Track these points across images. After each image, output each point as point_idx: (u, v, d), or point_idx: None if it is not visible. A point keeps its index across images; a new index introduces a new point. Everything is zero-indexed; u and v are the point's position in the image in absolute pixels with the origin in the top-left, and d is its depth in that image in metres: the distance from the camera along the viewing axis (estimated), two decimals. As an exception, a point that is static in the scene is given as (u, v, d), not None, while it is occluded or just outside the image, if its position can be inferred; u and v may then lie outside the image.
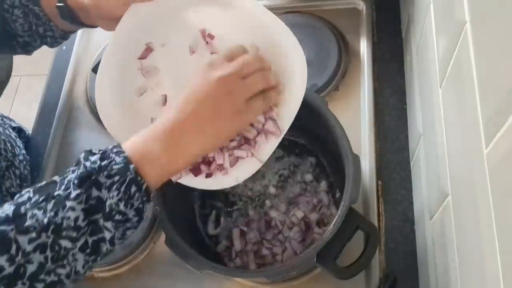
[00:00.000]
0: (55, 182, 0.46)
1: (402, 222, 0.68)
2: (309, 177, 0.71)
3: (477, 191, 0.39)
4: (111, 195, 0.46)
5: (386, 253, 0.66)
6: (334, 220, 0.54)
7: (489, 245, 0.36)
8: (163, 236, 0.58)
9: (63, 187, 0.45)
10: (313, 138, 0.71)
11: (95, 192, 0.45)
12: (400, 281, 0.64)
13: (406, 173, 0.71)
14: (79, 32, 0.94)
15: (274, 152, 0.72)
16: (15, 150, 0.77)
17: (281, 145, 0.72)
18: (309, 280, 0.66)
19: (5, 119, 0.84)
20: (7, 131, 0.78)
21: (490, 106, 0.36)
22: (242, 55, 0.53)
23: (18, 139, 0.82)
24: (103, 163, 0.47)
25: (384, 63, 0.80)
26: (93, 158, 0.47)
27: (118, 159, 0.47)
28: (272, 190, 0.70)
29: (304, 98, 0.63)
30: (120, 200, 0.46)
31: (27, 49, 0.74)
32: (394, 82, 0.78)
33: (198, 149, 0.51)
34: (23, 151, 0.81)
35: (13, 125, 0.86)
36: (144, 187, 0.47)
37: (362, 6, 0.85)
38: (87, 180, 0.46)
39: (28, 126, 0.90)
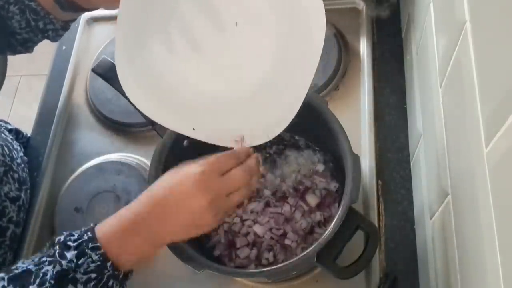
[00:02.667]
0: (30, 272, 0.47)
1: (402, 222, 0.68)
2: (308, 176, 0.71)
3: (477, 191, 0.39)
4: None
5: (386, 253, 0.66)
6: (334, 220, 0.54)
7: (489, 245, 0.36)
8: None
9: (38, 280, 0.46)
10: (313, 138, 0.71)
11: None
12: (400, 281, 0.64)
13: (406, 173, 0.71)
14: (79, 31, 0.94)
15: (274, 152, 0.73)
16: (13, 153, 0.76)
17: (280, 144, 0.73)
18: (309, 280, 0.66)
19: (0, 122, 0.83)
20: (3, 135, 0.77)
21: (490, 105, 0.36)
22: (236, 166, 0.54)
23: (15, 141, 0.81)
24: (79, 262, 0.48)
25: (384, 63, 0.80)
26: (69, 256, 0.48)
27: (95, 257, 0.48)
28: (267, 192, 0.70)
29: (304, 98, 0.63)
30: None
31: (27, 45, 0.73)
32: (394, 82, 0.78)
33: (172, 238, 0.53)
34: (21, 154, 0.80)
35: (9, 127, 0.85)
36: (120, 277, 0.50)
37: (362, 6, 0.85)
38: (64, 279, 0.47)
39: (28, 126, 0.90)
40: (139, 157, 0.78)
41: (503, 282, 0.33)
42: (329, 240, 0.53)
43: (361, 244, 0.56)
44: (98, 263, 0.48)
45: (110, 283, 0.49)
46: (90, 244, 0.48)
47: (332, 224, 0.54)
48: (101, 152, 0.80)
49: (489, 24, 0.38)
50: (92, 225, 0.51)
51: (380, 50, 0.81)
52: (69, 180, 0.78)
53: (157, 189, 0.52)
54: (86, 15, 0.95)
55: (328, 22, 0.84)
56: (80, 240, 0.49)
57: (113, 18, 0.95)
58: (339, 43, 0.81)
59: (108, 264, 0.48)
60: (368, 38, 0.82)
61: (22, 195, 0.74)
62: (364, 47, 0.81)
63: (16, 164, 0.75)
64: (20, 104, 1.95)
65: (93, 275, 0.47)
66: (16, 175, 0.74)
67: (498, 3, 0.35)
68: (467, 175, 0.42)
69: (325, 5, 0.88)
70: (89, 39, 0.94)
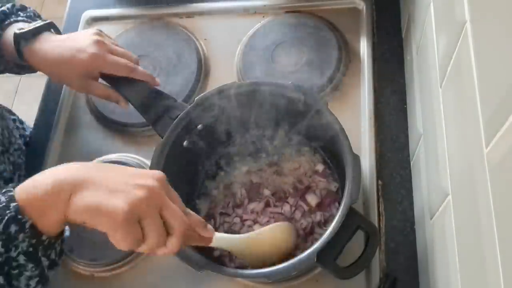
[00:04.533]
0: None
1: (402, 222, 0.68)
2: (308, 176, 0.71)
3: (477, 191, 0.39)
4: None
5: (386, 253, 0.66)
6: (335, 220, 0.54)
7: (489, 245, 0.36)
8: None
9: None
10: (313, 137, 0.71)
11: None
12: (400, 281, 0.64)
13: (406, 173, 0.71)
14: (80, 30, 0.94)
15: (275, 152, 0.73)
16: (11, 139, 0.79)
17: (281, 146, 0.73)
18: (309, 280, 0.66)
19: (6, 113, 0.84)
20: (5, 122, 0.79)
21: (490, 105, 0.36)
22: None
23: (16, 130, 0.83)
24: None
25: (384, 63, 0.80)
26: None
27: (2, 198, 0.45)
28: (267, 192, 0.70)
29: (304, 98, 0.63)
30: None
31: None
32: (394, 82, 0.78)
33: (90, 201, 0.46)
34: (19, 141, 0.82)
35: (13, 117, 0.87)
36: (28, 225, 0.44)
37: (362, 6, 0.85)
38: None
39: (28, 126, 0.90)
40: (139, 157, 0.78)
41: (503, 282, 0.33)
42: (329, 240, 0.53)
43: (361, 244, 0.56)
44: (3, 203, 0.44)
45: (12, 229, 0.43)
46: (6, 189, 0.46)
47: (332, 224, 0.54)
48: (101, 152, 0.80)
49: (489, 24, 0.38)
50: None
51: (380, 50, 0.81)
52: (69, 180, 0.78)
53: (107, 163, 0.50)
54: (86, 15, 0.96)
55: (328, 22, 0.84)
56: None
57: (113, 18, 0.95)
58: (339, 43, 0.81)
59: (13, 204, 0.44)
60: (368, 38, 0.82)
61: (15, 179, 0.77)
62: (364, 47, 0.81)
63: (13, 149, 0.78)
64: (20, 104, 1.96)
65: None
66: (11, 158, 0.77)
67: (498, 3, 0.35)
68: (467, 175, 0.42)
69: (325, 5, 0.89)
70: (89, 39, 0.94)
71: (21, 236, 0.44)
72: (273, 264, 0.56)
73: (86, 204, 0.45)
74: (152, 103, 0.69)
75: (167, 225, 0.47)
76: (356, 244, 0.57)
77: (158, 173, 0.49)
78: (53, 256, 0.48)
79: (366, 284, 0.64)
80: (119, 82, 0.69)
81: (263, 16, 0.88)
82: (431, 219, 0.57)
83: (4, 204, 0.44)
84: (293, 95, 0.64)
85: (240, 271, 0.60)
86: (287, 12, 0.88)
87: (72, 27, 0.93)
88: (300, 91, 0.64)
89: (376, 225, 0.67)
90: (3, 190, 0.46)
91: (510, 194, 0.32)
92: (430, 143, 0.59)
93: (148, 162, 0.65)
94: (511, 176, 0.32)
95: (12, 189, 0.46)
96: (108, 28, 0.94)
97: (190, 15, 0.92)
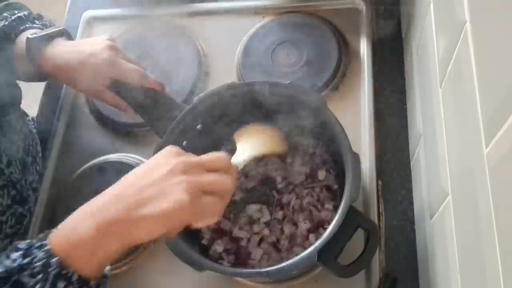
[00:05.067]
0: None
1: (402, 222, 0.68)
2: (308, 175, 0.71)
3: (477, 191, 0.39)
4: None
5: (386, 253, 0.66)
6: (335, 219, 0.54)
7: (489, 245, 0.36)
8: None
9: None
10: (312, 137, 0.71)
11: None
12: (400, 281, 0.64)
13: (406, 173, 0.71)
14: (80, 31, 0.94)
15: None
16: (37, 148, 0.81)
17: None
18: (309, 280, 0.66)
19: (29, 121, 0.85)
20: (26, 127, 0.80)
21: (490, 106, 0.36)
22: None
23: (36, 134, 0.84)
24: (24, 261, 0.42)
25: (384, 63, 0.80)
26: (14, 256, 0.42)
27: (40, 255, 0.42)
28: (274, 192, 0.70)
29: (303, 98, 0.63)
30: None
31: None
32: (394, 82, 0.78)
33: (145, 226, 0.45)
34: (39, 147, 0.83)
35: (28, 119, 0.87)
36: (75, 278, 0.42)
37: (362, 6, 0.85)
38: (7, 283, 0.41)
39: (28, 126, 0.90)
40: (139, 157, 0.78)
41: (503, 282, 0.33)
42: (330, 239, 0.53)
43: (361, 243, 0.56)
44: (44, 260, 0.42)
45: (60, 285, 0.41)
46: (38, 242, 0.43)
47: (332, 223, 0.54)
48: (101, 152, 0.80)
49: (489, 24, 0.38)
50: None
51: (380, 50, 0.81)
52: (69, 180, 0.78)
53: (128, 174, 0.49)
54: (86, 15, 0.96)
55: (328, 22, 0.84)
56: (31, 242, 0.44)
57: (113, 18, 0.95)
58: (339, 43, 0.81)
59: (54, 260, 0.41)
60: (368, 38, 0.82)
61: (41, 189, 0.79)
62: (364, 47, 0.81)
63: (38, 158, 0.80)
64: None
65: (39, 276, 0.41)
66: (38, 168, 0.79)
67: (498, 3, 0.35)
68: (467, 175, 0.42)
69: (325, 5, 0.89)
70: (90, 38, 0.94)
71: None
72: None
73: (151, 219, 0.44)
74: (151, 103, 0.69)
75: (217, 170, 0.49)
76: (357, 243, 0.57)
77: (170, 149, 0.49)
78: None
79: (366, 284, 0.64)
80: (117, 83, 0.69)
81: (263, 16, 0.88)
82: (431, 219, 0.57)
83: (44, 260, 0.42)
84: (293, 95, 0.64)
85: (240, 270, 0.60)
86: (287, 12, 0.88)
87: (72, 27, 0.93)
88: (299, 91, 0.64)
89: (376, 225, 0.67)
90: (37, 244, 0.43)
91: (510, 194, 0.32)
92: (430, 143, 0.59)
93: (148, 162, 0.65)
94: (511, 176, 0.32)
95: (46, 242, 0.43)
96: (108, 28, 0.94)
97: (190, 15, 0.92)
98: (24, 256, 0.42)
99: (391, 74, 0.79)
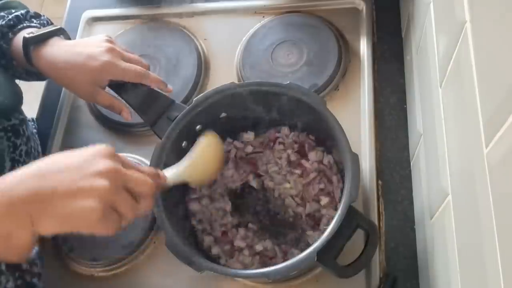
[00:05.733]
0: None
1: (402, 222, 0.68)
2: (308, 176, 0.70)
3: (477, 191, 0.39)
4: None
5: (386, 253, 0.66)
6: (334, 219, 0.54)
7: (489, 245, 0.36)
8: (163, 236, 0.58)
9: None
10: (312, 137, 0.71)
11: None
12: (400, 281, 0.64)
13: (406, 172, 0.71)
14: (80, 31, 0.94)
15: (274, 154, 0.73)
16: (39, 148, 0.81)
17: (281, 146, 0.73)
18: (309, 280, 0.66)
19: (29, 121, 0.85)
20: (29, 130, 0.79)
21: (490, 105, 0.36)
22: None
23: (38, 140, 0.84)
24: None
25: (384, 62, 0.80)
26: None
27: None
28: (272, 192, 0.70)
29: (303, 98, 0.63)
30: None
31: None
32: (394, 81, 0.78)
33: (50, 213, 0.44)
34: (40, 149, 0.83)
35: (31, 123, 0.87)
36: (3, 267, 0.44)
37: (362, 6, 0.85)
38: None
39: (28, 126, 0.90)
40: (139, 157, 0.78)
41: (503, 282, 0.33)
42: (329, 239, 0.53)
43: (361, 243, 0.56)
44: None
45: None
46: None
47: (332, 223, 0.54)
48: (101, 152, 0.80)
49: (489, 24, 0.38)
50: None
51: (380, 50, 0.81)
52: (69, 180, 0.78)
53: (52, 158, 0.48)
54: (86, 15, 0.96)
55: (328, 22, 0.84)
56: None
57: (113, 18, 0.95)
58: (339, 43, 0.81)
59: None
60: (368, 38, 0.82)
61: None
62: (364, 47, 0.81)
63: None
64: (20, 104, 1.95)
65: None
66: None
67: (498, 3, 0.35)
68: (467, 175, 0.42)
69: (325, 5, 0.89)
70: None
71: (3, 278, 0.42)
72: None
73: (56, 217, 0.44)
74: (151, 104, 0.69)
75: (135, 193, 0.48)
76: (356, 243, 0.57)
77: (104, 149, 0.48)
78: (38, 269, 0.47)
79: (366, 284, 0.64)
80: (117, 85, 0.69)
81: (263, 16, 0.88)
82: (431, 219, 0.57)
83: None
84: (292, 95, 0.64)
85: (239, 271, 0.60)
86: (287, 12, 0.88)
87: (72, 27, 0.93)
88: (299, 91, 0.64)
89: (376, 225, 0.67)
90: None
91: (510, 194, 0.32)
92: (430, 143, 0.59)
93: (148, 162, 0.65)
94: (511, 176, 0.32)
95: None
96: (108, 28, 0.94)
97: (190, 15, 0.92)
98: None
99: (391, 74, 0.79)
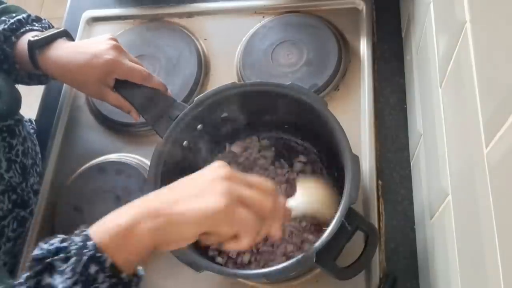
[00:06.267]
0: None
1: (402, 222, 0.68)
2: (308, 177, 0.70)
3: (477, 191, 0.39)
4: (63, 280, 0.39)
5: (386, 253, 0.66)
6: (334, 220, 0.54)
7: (489, 245, 0.36)
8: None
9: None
10: (313, 138, 0.71)
11: (46, 279, 0.40)
12: (400, 281, 0.64)
13: (406, 173, 0.71)
14: (79, 31, 0.94)
15: (274, 153, 0.73)
16: (36, 148, 0.81)
17: (280, 147, 0.73)
18: (309, 280, 0.66)
19: (26, 122, 0.85)
20: (25, 130, 0.80)
21: (490, 105, 0.36)
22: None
23: (34, 136, 0.84)
24: (61, 245, 0.42)
25: (384, 62, 0.80)
26: (53, 240, 0.42)
27: (77, 239, 0.42)
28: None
29: (303, 99, 0.63)
30: (75, 284, 0.40)
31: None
32: (394, 81, 0.78)
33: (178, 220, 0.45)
34: (38, 149, 0.83)
35: (28, 123, 0.88)
36: (108, 264, 0.41)
37: (362, 6, 0.85)
38: (40, 264, 0.41)
39: (28, 126, 0.90)
40: (139, 157, 0.78)
41: (503, 282, 0.33)
42: (329, 241, 0.53)
43: (361, 244, 0.56)
44: (80, 244, 0.41)
45: (92, 269, 0.40)
46: (78, 231, 0.43)
47: (331, 225, 0.54)
48: (101, 152, 0.80)
49: (489, 24, 0.38)
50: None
51: (380, 50, 0.81)
52: (69, 180, 0.78)
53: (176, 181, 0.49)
54: (86, 15, 0.96)
55: (328, 22, 0.84)
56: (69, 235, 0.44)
57: (113, 18, 0.95)
58: (339, 43, 0.81)
59: (90, 242, 0.41)
60: (368, 38, 0.82)
61: (41, 189, 0.79)
62: (364, 47, 0.81)
63: (38, 159, 0.80)
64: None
65: (72, 259, 0.40)
66: (38, 169, 0.79)
67: (498, 3, 0.35)
68: (467, 175, 0.42)
69: (325, 5, 0.89)
70: (90, 38, 0.94)
71: (101, 276, 0.41)
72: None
73: (184, 218, 0.44)
74: (152, 103, 0.69)
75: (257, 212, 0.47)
76: (357, 244, 0.57)
77: (219, 163, 0.49)
78: None
79: (366, 284, 0.64)
80: (119, 83, 0.69)
81: (263, 16, 0.88)
82: (431, 219, 0.57)
83: (81, 244, 0.42)
84: (292, 95, 0.64)
85: (238, 271, 0.59)
86: (287, 12, 0.88)
87: (72, 27, 0.93)
88: (299, 91, 0.64)
89: (376, 225, 0.67)
90: (77, 231, 0.44)
91: (510, 194, 0.32)
92: (430, 143, 0.59)
93: (148, 162, 0.65)
94: (511, 176, 0.32)
95: (86, 229, 0.44)
96: (108, 28, 0.94)
97: (190, 15, 0.92)
98: (62, 240, 0.42)
99: (391, 74, 0.79)
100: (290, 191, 0.70)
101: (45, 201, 0.78)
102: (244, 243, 0.47)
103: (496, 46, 0.35)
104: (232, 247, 0.48)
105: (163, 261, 0.69)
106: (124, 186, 0.75)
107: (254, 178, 0.49)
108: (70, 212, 0.75)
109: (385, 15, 0.84)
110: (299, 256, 0.54)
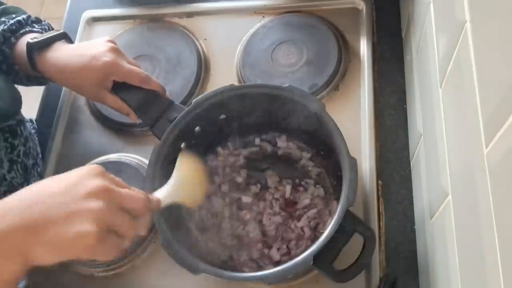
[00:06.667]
0: None
1: (402, 222, 0.68)
2: (308, 180, 0.70)
3: (477, 191, 0.39)
4: None
5: (386, 253, 0.66)
6: (331, 223, 0.54)
7: (489, 245, 0.36)
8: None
9: None
10: (310, 140, 0.71)
11: None
12: (400, 281, 0.64)
13: (406, 173, 0.71)
14: (79, 31, 0.94)
15: (273, 156, 0.73)
16: (37, 149, 0.81)
17: (279, 149, 0.73)
18: (309, 280, 0.65)
19: (27, 122, 0.85)
20: (30, 131, 0.80)
21: (490, 105, 0.36)
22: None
23: (36, 136, 0.84)
24: None
25: (384, 62, 0.80)
26: None
27: None
28: (269, 196, 0.70)
29: (301, 101, 0.63)
30: None
31: None
32: (394, 81, 0.78)
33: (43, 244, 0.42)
34: (39, 149, 0.83)
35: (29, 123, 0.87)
36: None
37: (362, 6, 0.85)
38: None
39: (28, 126, 0.90)
40: (139, 157, 0.78)
41: (503, 282, 0.33)
42: (326, 244, 0.53)
43: (360, 246, 0.56)
44: None
45: None
46: None
47: (329, 227, 0.54)
48: (101, 152, 0.80)
49: (489, 24, 0.38)
50: None
51: (380, 50, 0.81)
52: (69, 180, 0.78)
53: (37, 185, 0.45)
54: (86, 15, 0.96)
55: (328, 22, 0.84)
56: None
57: (113, 18, 0.95)
58: (339, 43, 0.81)
59: None
60: (368, 38, 0.82)
61: None
62: (364, 47, 0.81)
63: (39, 159, 0.80)
64: (20, 104, 1.95)
65: None
66: (39, 170, 0.79)
67: (498, 4, 0.35)
68: (467, 175, 0.42)
69: (325, 5, 0.89)
70: (89, 39, 0.94)
71: None
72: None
73: (50, 245, 0.42)
74: (150, 105, 0.69)
75: (130, 210, 0.47)
76: (356, 245, 0.57)
77: (94, 169, 0.46)
78: None
79: (366, 284, 0.64)
80: (117, 85, 0.69)
81: (263, 16, 0.88)
82: (431, 219, 0.57)
83: None
84: (291, 97, 0.64)
85: (235, 274, 0.59)
86: (287, 12, 0.87)
87: (72, 27, 0.93)
88: (298, 94, 0.64)
89: (376, 224, 0.67)
90: None
91: (510, 194, 0.32)
92: (430, 143, 0.59)
93: (148, 162, 0.65)
94: (511, 176, 0.32)
95: None
96: (108, 28, 0.94)
97: (190, 15, 0.92)
98: None
99: (391, 74, 0.79)
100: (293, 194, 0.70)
101: (45, 201, 0.78)
102: (105, 259, 0.47)
103: (496, 46, 0.35)
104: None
105: (163, 261, 0.69)
106: (124, 186, 0.75)
107: (127, 193, 0.47)
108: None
109: (385, 15, 0.84)
110: (296, 259, 0.54)
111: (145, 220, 0.48)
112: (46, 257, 0.43)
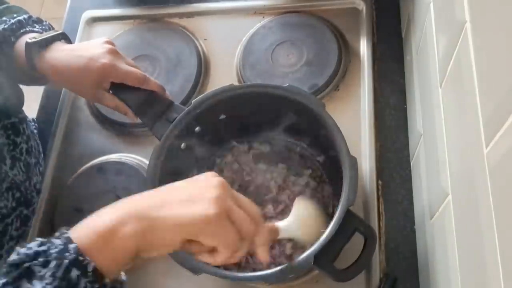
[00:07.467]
0: None
1: (402, 222, 0.68)
2: (308, 180, 0.70)
3: (477, 191, 0.39)
4: (43, 286, 0.37)
5: (386, 253, 0.66)
6: (332, 222, 0.54)
7: (489, 245, 0.36)
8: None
9: None
10: (310, 140, 0.71)
11: (25, 285, 0.37)
12: (400, 281, 0.64)
13: (406, 173, 0.71)
14: (79, 31, 0.94)
15: (272, 156, 0.73)
16: (40, 148, 0.81)
17: (279, 149, 0.73)
18: (309, 281, 0.66)
19: (30, 122, 0.85)
20: (33, 130, 0.80)
21: (490, 105, 0.36)
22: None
23: (37, 135, 0.84)
24: (40, 248, 0.39)
25: (384, 63, 0.80)
26: (31, 244, 0.40)
27: (58, 242, 0.40)
28: (270, 195, 0.70)
29: (301, 101, 0.63)
30: None
31: None
32: (394, 81, 0.78)
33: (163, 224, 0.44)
34: (41, 148, 0.83)
35: (31, 123, 0.88)
36: (91, 268, 0.39)
37: (362, 6, 0.85)
38: (17, 269, 0.38)
39: (28, 126, 0.90)
40: (139, 157, 0.78)
41: (503, 282, 0.33)
42: (327, 243, 0.53)
43: (360, 245, 0.56)
44: (61, 247, 0.39)
45: (73, 274, 0.38)
46: (58, 233, 0.42)
47: (329, 227, 0.54)
48: (101, 152, 0.80)
49: (489, 24, 0.38)
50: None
51: (380, 50, 0.81)
52: (70, 181, 0.78)
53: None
54: (86, 15, 0.96)
55: (328, 22, 0.84)
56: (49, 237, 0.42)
57: (113, 18, 0.95)
58: (339, 43, 0.81)
59: (72, 245, 0.39)
60: (368, 38, 0.82)
61: (43, 189, 0.79)
62: (364, 47, 0.81)
63: (41, 158, 0.81)
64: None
65: (52, 264, 0.38)
66: (41, 169, 0.80)
67: (498, 4, 0.35)
68: (467, 175, 0.42)
69: (325, 5, 0.89)
70: (89, 39, 0.94)
71: (82, 282, 0.39)
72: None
73: (167, 225, 0.43)
74: (150, 106, 0.68)
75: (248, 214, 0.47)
76: (357, 245, 0.57)
77: (212, 173, 0.49)
78: None
79: (366, 284, 0.64)
80: (115, 86, 0.69)
81: (263, 16, 0.88)
82: (431, 219, 0.57)
83: (61, 247, 0.39)
84: (290, 97, 0.64)
85: (235, 274, 0.59)
86: (287, 12, 0.88)
87: (72, 27, 0.93)
88: (298, 93, 0.64)
89: (376, 224, 0.67)
90: (57, 234, 0.42)
91: (510, 194, 0.32)
92: (430, 143, 0.59)
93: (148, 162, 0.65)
94: (511, 176, 0.32)
95: (66, 231, 0.42)
96: (108, 28, 0.94)
97: (190, 15, 0.92)
98: (41, 244, 0.40)
99: (391, 74, 0.79)
100: (289, 196, 0.70)
101: (45, 201, 0.78)
102: (219, 258, 0.46)
103: (496, 46, 0.36)
104: (205, 259, 0.47)
105: (163, 261, 0.69)
106: (124, 186, 0.75)
107: (243, 198, 0.48)
108: (70, 212, 0.75)
109: (385, 15, 0.84)
110: (297, 259, 0.54)
111: (263, 230, 0.48)
112: (162, 238, 0.43)
